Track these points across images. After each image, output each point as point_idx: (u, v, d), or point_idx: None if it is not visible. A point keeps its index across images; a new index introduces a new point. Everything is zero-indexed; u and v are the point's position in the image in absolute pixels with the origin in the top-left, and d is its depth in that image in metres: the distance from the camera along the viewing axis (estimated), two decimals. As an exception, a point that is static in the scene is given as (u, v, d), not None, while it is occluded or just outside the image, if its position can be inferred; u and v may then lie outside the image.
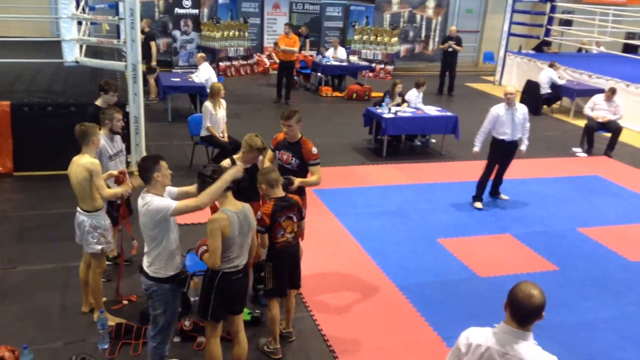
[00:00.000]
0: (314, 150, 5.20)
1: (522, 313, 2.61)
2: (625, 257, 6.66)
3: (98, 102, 6.31)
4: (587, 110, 10.77)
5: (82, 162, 4.63)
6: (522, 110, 7.63)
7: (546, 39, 17.10)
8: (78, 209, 4.77)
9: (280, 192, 4.43)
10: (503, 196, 8.13)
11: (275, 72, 15.62)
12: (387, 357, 4.72)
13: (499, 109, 7.60)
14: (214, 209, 4.25)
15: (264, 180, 4.41)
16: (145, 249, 3.91)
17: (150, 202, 3.74)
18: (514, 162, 7.91)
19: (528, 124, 7.72)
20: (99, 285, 4.84)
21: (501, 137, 7.60)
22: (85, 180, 4.60)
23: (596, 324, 5.36)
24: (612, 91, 10.60)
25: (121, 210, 5.03)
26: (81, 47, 9.22)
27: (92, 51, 10.42)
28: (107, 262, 5.36)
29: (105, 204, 4.95)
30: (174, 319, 4.06)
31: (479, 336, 2.71)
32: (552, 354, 2.63)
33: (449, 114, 10.16)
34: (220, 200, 3.84)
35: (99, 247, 4.76)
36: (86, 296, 5.04)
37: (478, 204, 7.80)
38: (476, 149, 7.78)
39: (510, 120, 7.53)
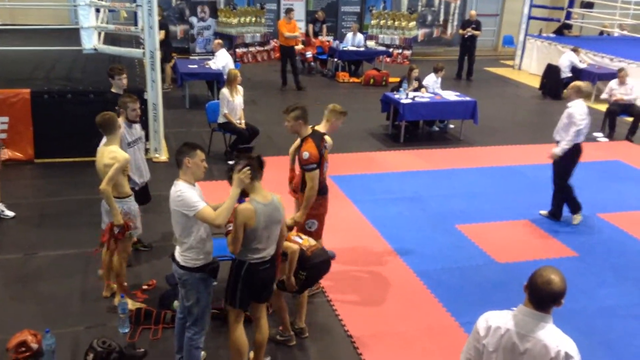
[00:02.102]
0: (305, 154, 4.78)
1: (540, 298, 2.60)
2: (647, 243, 6.58)
3: (113, 89, 6.36)
4: (604, 97, 10.62)
5: (111, 149, 4.67)
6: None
7: (567, 21, 16.81)
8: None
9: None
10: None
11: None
12: (405, 343, 4.72)
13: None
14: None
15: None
16: (177, 236, 3.90)
17: (182, 193, 3.73)
18: (534, 147, 7.77)
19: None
20: (122, 270, 4.90)
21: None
22: (109, 167, 4.61)
23: (615, 310, 5.31)
24: (623, 73, 10.39)
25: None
26: (99, 34, 9.28)
27: (110, 39, 10.48)
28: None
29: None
30: (208, 308, 4.06)
31: (498, 319, 2.70)
32: (569, 337, 2.62)
33: (467, 99, 10.05)
34: (250, 190, 3.82)
35: (128, 232, 4.82)
36: (107, 280, 5.12)
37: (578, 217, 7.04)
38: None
39: None
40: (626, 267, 6.05)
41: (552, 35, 16.67)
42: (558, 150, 6.70)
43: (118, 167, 4.61)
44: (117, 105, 5.41)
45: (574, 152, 6.71)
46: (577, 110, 6.60)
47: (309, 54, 14.55)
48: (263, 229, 3.80)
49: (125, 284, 5.01)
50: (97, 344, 4.19)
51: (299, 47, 14.49)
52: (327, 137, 5.14)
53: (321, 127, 5.20)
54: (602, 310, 5.30)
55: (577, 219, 6.99)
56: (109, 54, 8.97)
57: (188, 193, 3.73)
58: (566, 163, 6.77)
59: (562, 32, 16.80)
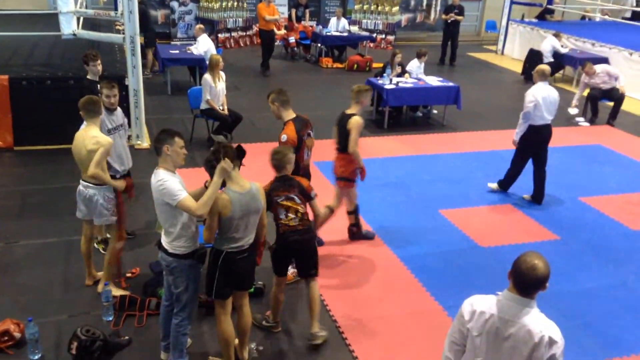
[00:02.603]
0: (283, 137, 4.93)
1: (525, 284, 2.62)
2: (627, 225, 6.67)
3: (89, 76, 6.25)
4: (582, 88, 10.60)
5: (92, 134, 4.59)
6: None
7: (549, 6, 16.87)
8: (84, 182, 4.71)
9: (284, 172, 4.36)
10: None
11: (276, 43, 15.50)
12: (389, 327, 4.76)
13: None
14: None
15: (271, 160, 4.39)
16: (163, 225, 3.86)
17: (163, 182, 3.68)
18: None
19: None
20: (113, 258, 4.89)
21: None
22: (94, 153, 4.55)
23: (596, 292, 5.39)
24: (587, 68, 10.17)
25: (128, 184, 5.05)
26: (78, 19, 9.12)
27: (90, 24, 10.30)
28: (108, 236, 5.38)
29: None
30: (196, 295, 4.06)
31: (483, 303, 2.72)
32: (552, 321, 2.65)
33: (450, 84, 10.07)
34: (227, 179, 3.78)
35: (114, 218, 4.79)
36: (89, 269, 5.08)
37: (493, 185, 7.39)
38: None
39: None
40: (607, 250, 6.15)
41: (534, 20, 16.74)
42: (514, 135, 6.92)
43: (103, 152, 4.56)
44: (94, 91, 5.33)
45: (530, 134, 6.81)
46: (530, 92, 6.74)
47: (292, 39, 14.45)
48: (239, 218, 3.77)
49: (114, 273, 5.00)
50: (80, 333, 4.16)
51: (282, 32, 14.41)
52: (310, 123, 5.17)
53: (352, 110, 5.61)
54: (583, 292, 5.38)
55: (492, 186, 7.35)
56: (88, 39, 8.82)
57: (169, 182, 3.69)
58: (521, 145, 6.92)
59: (544, 17, 16.87)
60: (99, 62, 6.23)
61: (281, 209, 4.28)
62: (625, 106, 10.64)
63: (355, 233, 6.07)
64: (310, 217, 4.47)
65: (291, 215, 4.28)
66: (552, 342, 2.59)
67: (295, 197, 4.31)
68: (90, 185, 4.69)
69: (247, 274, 4.06)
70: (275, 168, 4.35)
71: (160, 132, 3.81)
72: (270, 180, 4.36)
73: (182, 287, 3.91)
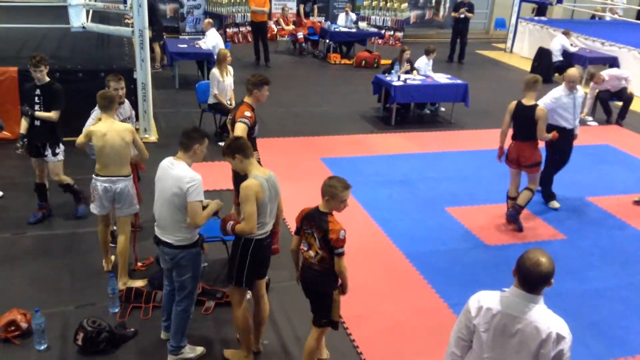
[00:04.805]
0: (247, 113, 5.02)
1: (530, 280, 2.62)
2: (635, 226, 6.64)
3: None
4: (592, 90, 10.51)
5: (123, 127, 4.77)
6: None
7: (559, 5, 16.78)
8: (112, 178, 4.77)
9: (328, 203, 3.78)
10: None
11: (284, 38, 15.51)
12: (394, 323, 4.76)
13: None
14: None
15: (324, 185, 3.80)
16: (166, 223, 3.93)
17: (195, 179, 3.81)
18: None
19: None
20: (128, 249, 4.98)
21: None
22: (128, 144, 4.72)
23: (602, 292, 5.37)
24: (596, 78, 10.04)
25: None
26: (87, 12, 9.14)
27: (99, 17, 10.33)
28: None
29: None
30: (197, 283, 4.16)
31: (489, 300, 2.72)
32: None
33: (459, 81, 10.04)
34: (249, 168, 3.85)
35: (138, 206, 5.01)
36: (106, 255, 5.18)
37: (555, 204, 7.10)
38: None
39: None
40: (613, 250, 6.12)
41: (543, 18, 16.64)
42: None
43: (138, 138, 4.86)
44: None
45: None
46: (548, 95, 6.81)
47: (300, 35, 14.44)
48: (269, 202, 3.84)
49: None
50: (87, 324, 4.19)
51: (290, 27, 14.38)
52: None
53: (530, 100, 6.18)
54: (589, 292, 5.36)
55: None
56: (97, 32, 8.84)
57: (200, 183, 3.85)
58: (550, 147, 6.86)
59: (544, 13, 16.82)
60: (42, 68, 5.61)
61: (304, 240, 3.87)
62: (635, 106, 10.57)
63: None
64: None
65: (311, 253, 3.82)
66: (559, 337, 2.58)
67: (317, 239, 3.76)
68: (123, 177, 4.80)
69: (269, 260, 4.12)
70: (324, 194, 3.76)
71: (192, 130, 3.98)
72: (313, 206, 3.86)
73: (189, 274, 4.01)
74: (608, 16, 17.52)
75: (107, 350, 4.21)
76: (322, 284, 3.85)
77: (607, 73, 10.24)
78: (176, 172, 3.84)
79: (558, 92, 6.77)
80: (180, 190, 3.80)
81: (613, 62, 12.58)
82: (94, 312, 4.54)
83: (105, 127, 4.72)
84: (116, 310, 4.66)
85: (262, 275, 4.13)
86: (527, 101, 6.20)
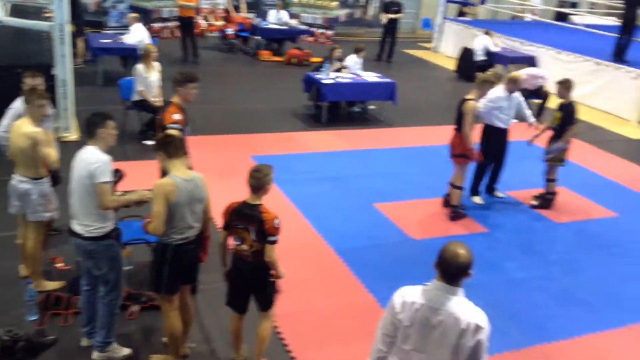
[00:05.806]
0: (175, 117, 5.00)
1: (450, 271, 2.72)
2: (551, 219, 6.98)
3: None
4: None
5: (24, 131, 4.47)
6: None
7: (483, 6, 17.37)
8: (18, 177, 4.56)
9: (261, 194, 3.90)
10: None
11: (212, 34, 15.27)
12: (324, 320, 4.80)
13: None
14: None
15: (250, 179, 3.90)
16: (83, 208, 3.82)
17: (101, 159, 3.76)
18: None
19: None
20: (39, 253, 4.75)
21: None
22: (28, 148, 4.45)
23: (521, 283, 5.62)
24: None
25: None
26: (4, 5, 8.69)
27: (17, 10, 9.81)
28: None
29: None
30: (121, 273, 4.05)
31: (412, 294, 2.80)
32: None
33: (387, 80, 10.22)
34: (169, 167, 3.76)
35: (48, 214, 4.68)
36: (25, 261, 4.93)
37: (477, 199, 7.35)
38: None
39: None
40: (532, 242, 6.42)
41: (466, 18, 17.20)
42: None
43: (43, 144, 4.50)
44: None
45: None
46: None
47: (230, 31, 14.26)
48: (185, 204, 3.73)
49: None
50: (2, 333, 3.98)
51: (220, 23, 14.19)
52: None
53: (471, 95, 6.40)
54: (508, 282, 5.60)
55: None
56: (15, 26, 8.40)
57: (108, 164, 3.79)
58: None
59: (463, 13, 17.42)
60: None
61: (236, 235, 3.82)
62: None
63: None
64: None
65: (244, 247, 3.80)
66: (478, 328, 2.69)
67: (252, 232, 3.75)
68: (26, 179, 4.55)
69: (194, 266, 4.01)
70: (252, 188, 3.80)
71: (92, 115, 3.93)
72: (240, 200, 3.85)
73: (106, 268, 3.91)
74: (528, 17, 18.31)
75: (25, 359, 4.00)
76: (262, 275, 3.90)
77: (525, 72, 10.69)
78: (85, 156, 3.80)
79: (497, 93, 6.92)
80: (88, 173, 3.73)
81: (532, 61, 13.14)
82: (9, 321, 4.31)
83: (17, 126, 4.54)
84: (34, 318, 4.45)
85: (187, 282, 4.02)
86: (469, 95, 6.48)
